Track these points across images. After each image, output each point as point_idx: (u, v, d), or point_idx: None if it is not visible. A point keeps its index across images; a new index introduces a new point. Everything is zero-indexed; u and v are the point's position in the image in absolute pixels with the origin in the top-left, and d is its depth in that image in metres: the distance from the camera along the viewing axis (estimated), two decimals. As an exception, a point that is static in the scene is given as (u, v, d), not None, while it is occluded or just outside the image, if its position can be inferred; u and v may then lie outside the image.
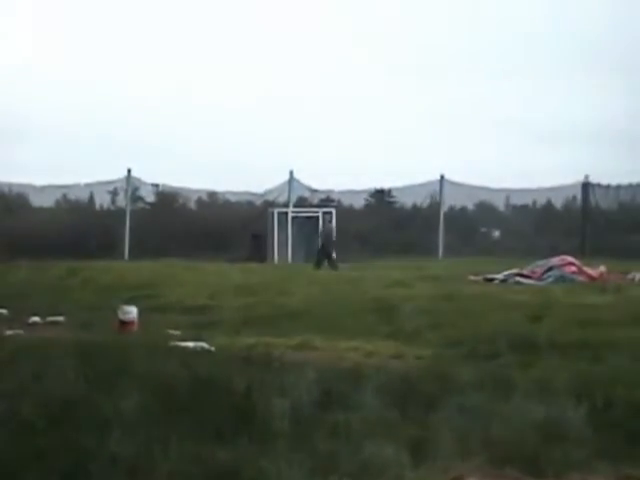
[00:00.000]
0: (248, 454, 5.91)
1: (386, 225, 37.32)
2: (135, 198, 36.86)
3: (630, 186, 36.32)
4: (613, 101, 57.33)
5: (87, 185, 37.35)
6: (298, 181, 36.35)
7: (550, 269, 21.78)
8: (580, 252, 29.38)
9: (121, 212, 35.28)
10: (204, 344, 11.22)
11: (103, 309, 15.40)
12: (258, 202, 37.76)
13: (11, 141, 49.97)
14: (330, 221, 32.19)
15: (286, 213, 34.30)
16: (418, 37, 61.75)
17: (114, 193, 37.25)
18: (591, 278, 21.05)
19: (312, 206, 36.01)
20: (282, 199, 36.32)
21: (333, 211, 33.92)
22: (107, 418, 6.58)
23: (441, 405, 7.21)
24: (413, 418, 6.89)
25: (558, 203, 38.93)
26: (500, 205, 39.91)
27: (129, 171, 34.90)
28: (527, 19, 59.09)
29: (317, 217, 33.39)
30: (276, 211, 34.27)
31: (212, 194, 39.45)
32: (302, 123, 58.59)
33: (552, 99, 58.18)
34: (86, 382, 7.80)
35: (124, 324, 13.31)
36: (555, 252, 24.21)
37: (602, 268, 21.84)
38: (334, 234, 30.42)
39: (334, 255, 29.35)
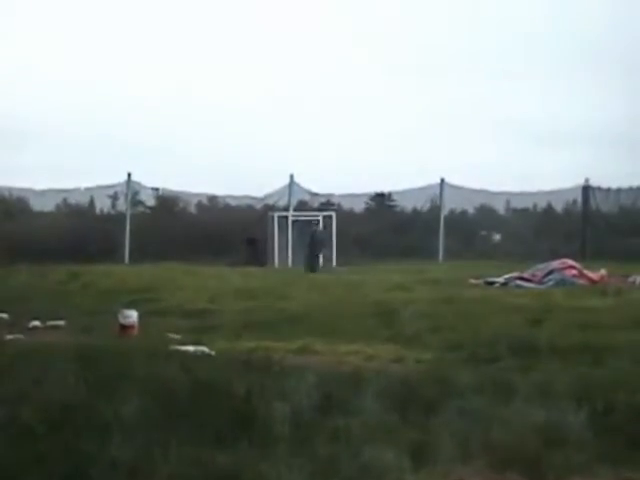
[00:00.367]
0: (248, 458, 5.90)
1: (386, 229, 37.29)
2: (135, 202, 36.88)
3: (631, 189, 36.33)
4: (614, 103, 57.45)
5: (87, 189, 37.48)
6: (298, 185, 36.36)
7: (551, 272, 21.78)
8: (580, 255, 29.40)
9: (121, 216, 35.32)
10: (204, 348, 11.21)
11: (103, 313, 15.42)
12: (258, 206, 37.72)
13: (11, 144, 50.00)
14: (324, 227, 32.28)
15: (286, 217, 34.29)
16: (418, 37, 61.88)
17: (114, 197, 37.33)
18: (592, 281, 21.05)
19: (312, 210, 36.03)
20: (282, 203, 36.34)
21: (333, 215, 33.96)
22: (107, 422, 6.58)
23: (441, 409, 7.20)
24: (413, 422, 6.89)
25: (558, 206, 38.90)
26: (500, 208, 39.90)
27: (129, 175, 34.96)
28: (527, 19, 59.21)
29: (318, 221, 33.41)
30: (276, 215, 34.26)
31: (212, 198, 39.49)
32: (302, 125, 58.74)
33: (552, 100, 58.31)
34: (86, 386, 7.79)
35: (124, 328, 13.31)
36: (555, 255, 24.26)
37: (603, 271, 21.84)
38: (326, 241, 30.55)
39: (321, 258, 29.46)
